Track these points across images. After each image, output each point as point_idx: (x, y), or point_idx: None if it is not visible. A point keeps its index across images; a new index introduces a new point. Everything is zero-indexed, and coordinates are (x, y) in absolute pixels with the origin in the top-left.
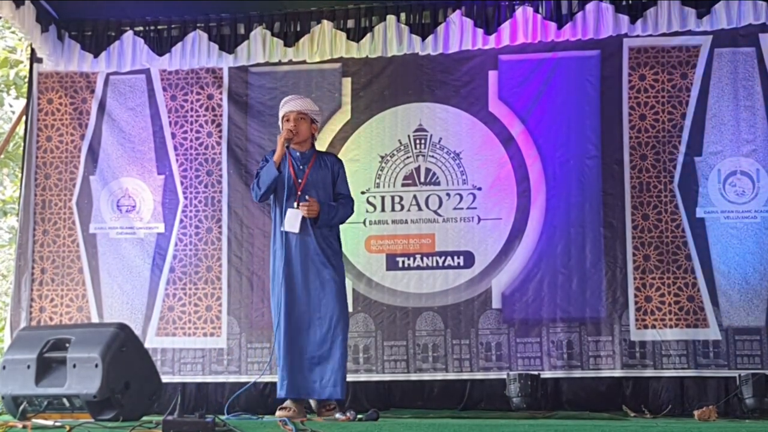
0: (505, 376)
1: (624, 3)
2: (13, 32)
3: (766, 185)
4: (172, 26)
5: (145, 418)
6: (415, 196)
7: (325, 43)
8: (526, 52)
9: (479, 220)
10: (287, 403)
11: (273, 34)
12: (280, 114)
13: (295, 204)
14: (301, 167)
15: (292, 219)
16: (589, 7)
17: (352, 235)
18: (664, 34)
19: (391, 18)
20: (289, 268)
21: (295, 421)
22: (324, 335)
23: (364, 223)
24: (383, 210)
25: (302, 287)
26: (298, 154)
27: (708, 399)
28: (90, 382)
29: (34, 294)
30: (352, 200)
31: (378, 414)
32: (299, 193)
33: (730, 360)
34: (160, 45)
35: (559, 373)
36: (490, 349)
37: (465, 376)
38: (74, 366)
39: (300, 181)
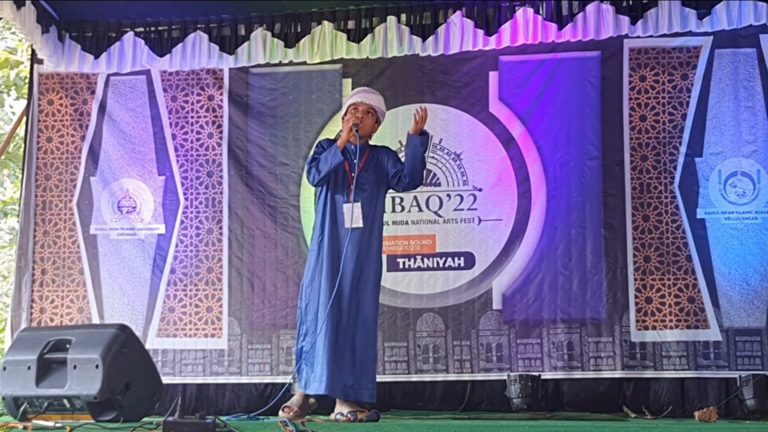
0: (505, 377)
1: (624, 4)
2: (13, 33)
3: (767, 186)
4: (173, 27)
5: (145, 420)
6: (415, 197)
7: (325, 44)
8: (527, 53)
9: (480, 221)
10: (293, 402)
11: (273, 35)
12: (349, 101)
13: (349, 197)
14: (354, 160)
15: (355, 213)
16: (590, 8)
17: None
18: (664, 35)
19: (391, 19)
20: (337, 263)
21: (295, 422)
22: (365, 336)
23: None
24: (384, 211)
25: (350, 284)
26: (353, 146)
27: (708, 400)
28: (91, 383)
29: (35, 295)
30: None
31: (379, 415)
32: (351, 187)
33: (730, 361)
34: (161, 46)
35: (560, 374)
36: (491, 350)
37: (466, 377)
38: (75, 367)
39: (353, 174)
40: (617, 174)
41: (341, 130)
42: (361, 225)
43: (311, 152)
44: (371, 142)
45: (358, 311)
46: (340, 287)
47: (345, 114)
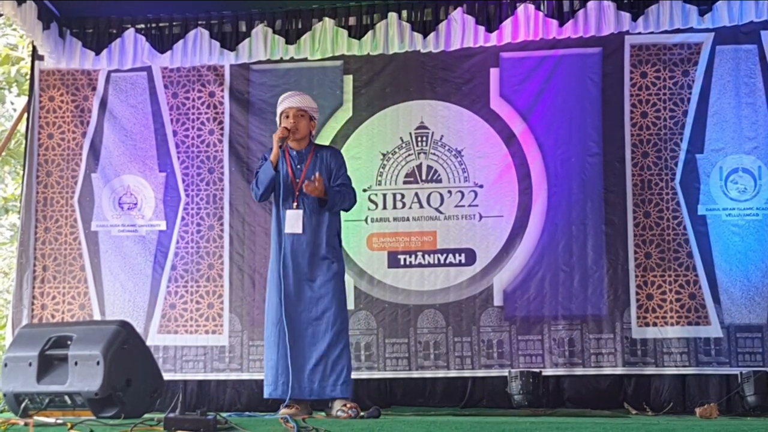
0: (506, 374)
1: (626, 0)
2: (14, 30)
3: None
4: (174, 24)
5: (146, 416)
6: (416, 194)
7: (326, 41)
8: (528, 49)
9: (481, 217)
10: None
11: (274, 32)
12: (279, 110)
13: (294, 204)
14: (298, 166)
15: (293, 220)
16: (591, 4)
17: (353, 233)
18: (665, 32)
19: (392, 15)
20: (286, 269)
21: (296, 418)
22: (323, 335)
23: (366, 220)
24: (385, 207)
25: (300, 287)
26: (295, 152)
27: (709, 396)
28: (92, 379)
29: (36, 291)
30: (354, 190)
31: (380, 411)
32: (297, 193)
33: (731, 357)
34: (162, 42)
35: (561, 371)
36: (492, 346)
37: (466, 373)
38: (76, 363)
39: (297, 180)
40: (618, 170)
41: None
42: (299, 232)
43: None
44: (317, 141)
45: (317, 314)
46: (287, 293)
47: (280, 124)
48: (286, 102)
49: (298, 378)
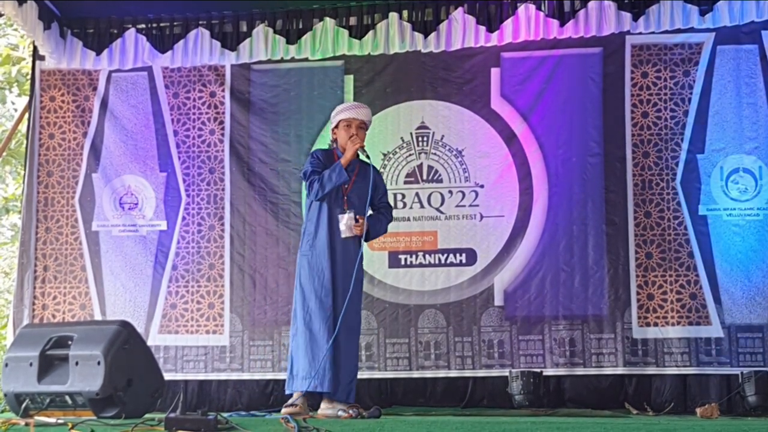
0: (507, 374)
1: (626, 0)
2: (15, 30)
3: None
4: (175, 24)
5: (147, 416)
6: (417, 194)
7: (327, 41)
8: (529, 49)
9: (481, 217)
10: (297, 400)
11: (275, 32)
12: (340, 116)
13: (344, 208)
14: (348, 173)
15: (349, 224)
16: (592, 4)
17: None
18: (666, 32)
19: (393, 15)
20: (335, 269)
21: (297, 418)
22: (351, 339)
23: None
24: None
25: (342, 291)
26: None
27: (710, 396)
28: (92, 379)
29: (37, 291)
30: (392, 207)
31: (380, 411)
32: (345, 198)
33: (732, 357)
34: (163, 42)
35: (562, 371)
36: (493, 346)
37: (467, 373)
38: (77, 363)
39: (346, 187)
40: (619, 170)
41: (332, 141)
42: (357, 234)
43: (307, 163)
44: (321, 144)
45: (346, 316)
46: (335, 294)
47: (335, 126)
48: (351, 112)
49: (331, 374)
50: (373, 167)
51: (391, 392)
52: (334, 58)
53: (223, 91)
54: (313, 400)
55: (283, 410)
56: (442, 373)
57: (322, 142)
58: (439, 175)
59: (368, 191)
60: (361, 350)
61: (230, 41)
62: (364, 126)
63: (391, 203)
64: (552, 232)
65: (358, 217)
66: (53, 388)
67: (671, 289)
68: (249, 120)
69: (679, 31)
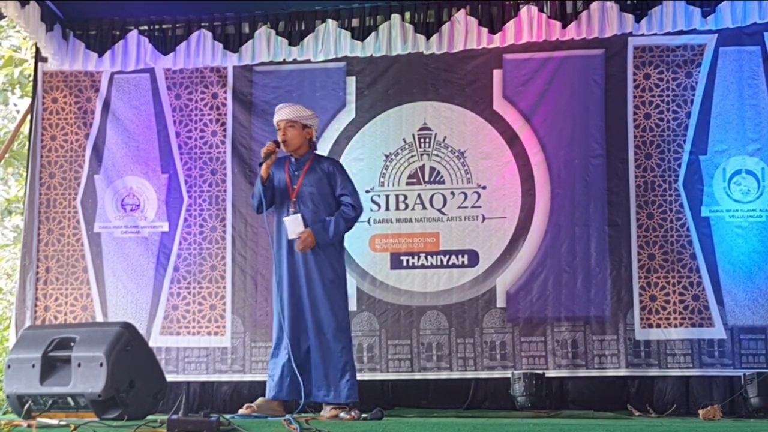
0: (509, 375)
1: (629, 2)
2: (17, 31)
3: None
4: (177, 25)
5: (149, 417)
6: (419, 195)
7: (329, 42)
8: (531, 51)
9: (483, 218)
10: (258, 401)
11: (277, 33)
12: (274, 123)
13: (291, 210)
14: (296, 173)
15: (293, 225)
16: (594, 6)
17: (356, 234)
18: (668, 33)
19: (395, 17)
20: (292, 275)
21: (300, 420)
22: (330, 341)
23: (369, 222)
24: (387, 209)
25: (305, 294)
26: (293, 160)
27: (713, 398)
28: (95, 381)
29: (39, 293)
30: (356, 198)
31: (382, 413)
32: (293, 199)
33: (735, 359)
34: (165, 44)
35: (564, 372)
36: (495, 348)
37: (469, 375)
38: (79, 365)
39: (294, 186)
40: (621, 172)
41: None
42: (300, 236)
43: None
44: (323, 147)
45: (317, 319)
46: (293, 298)
47: None
48: (276, 116)
49: (297, 380)
50: (332, 160)
51: (393, 394)
52: (337, 59)
53: (225, 92)
54: (316, 403)
55: (240, 411)
56: (444, 375)
57: (325, 144)
58: (441, 176)
59: (324, 186)
60: (363, 351)
61: (232, 43)
62: (292, 123)
63: (362, 202)
64: (554, 234)
65: (298, 234)
66: (55, 389)
67: (674, 291)
68: (251, 121)
69: (681, 32)
